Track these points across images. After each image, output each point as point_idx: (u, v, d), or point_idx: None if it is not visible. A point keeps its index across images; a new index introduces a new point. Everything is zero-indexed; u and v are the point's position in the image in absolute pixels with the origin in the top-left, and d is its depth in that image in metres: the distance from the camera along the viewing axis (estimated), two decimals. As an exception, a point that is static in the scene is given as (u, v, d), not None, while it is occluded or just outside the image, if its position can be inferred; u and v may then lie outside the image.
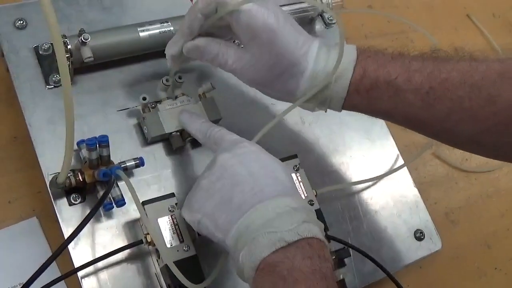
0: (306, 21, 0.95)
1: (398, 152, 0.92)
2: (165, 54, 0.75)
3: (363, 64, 0.69)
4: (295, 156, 0.78)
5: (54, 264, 0.69)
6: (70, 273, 0.66)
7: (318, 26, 0.95)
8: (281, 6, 0.89)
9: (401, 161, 0.91)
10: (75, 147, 0.71)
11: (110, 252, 0.68)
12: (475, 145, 0.70)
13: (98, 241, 0.70)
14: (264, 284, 0.57)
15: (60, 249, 0.63)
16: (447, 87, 0.66)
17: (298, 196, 0.64)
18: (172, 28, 0.79)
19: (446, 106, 0.66)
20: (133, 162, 0.73)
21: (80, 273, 0.67)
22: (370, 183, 0.88)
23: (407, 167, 0.91)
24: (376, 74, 0.68)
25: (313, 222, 0.60)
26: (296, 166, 0.77)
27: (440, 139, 0.74)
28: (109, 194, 0.69)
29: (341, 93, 0.69)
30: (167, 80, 0.76)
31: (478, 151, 0.73)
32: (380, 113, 0.72)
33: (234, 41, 0.75)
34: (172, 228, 0.68)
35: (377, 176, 0.88)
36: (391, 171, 0.89)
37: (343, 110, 0.72)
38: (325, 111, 0.73)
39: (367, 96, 0.69)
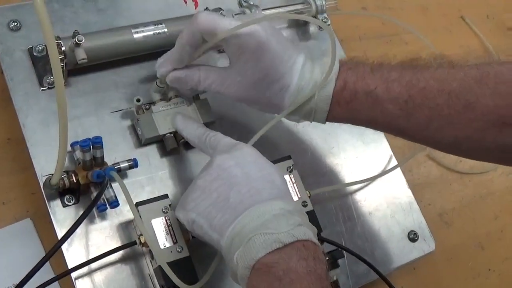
0: (301, 23, 0.95)
1: (392, 154, 0.92)
2: (159, 55, 0.75)
3: (344, 76, 0.71)
4: (288, 157, 0.78)
5: (48, 265, 0.69)
6: (64, 274, 0.66)
7: (312, 28, 0.95)
8: (276, 7, 0.90)
9: (394, 163, 0.92)
10: (69, 148, 0.71)
11: (104, 253, 0.68)
12: (456, 150, 0.72)
13: (91, 242, 0.70)
14: (259, 284, 0.57)
15: (53, 249, 0.63)
16: (425, 96, 0.67)
17: (292, 200, 0.66)
18: (166, 30, 0.79)
19: (425, 114, 0.67)
20: (127, 164, 0.73)
21: (73, 274, 0.67)
22: (364, 184, 0.88)
23: (401, 169, 0.92)
24: (356, 86, 0.70)
25: (307, 225, 0.61)
26: (289, 167, 0.77)
27: (423, 144, 0.76)
28: (103, 195, 0.69)
29: (324, 105, 0.71)
30: (161, 82, 0.77)
31: (460, 154, 0.74)
32: (361, 123, 0.74)
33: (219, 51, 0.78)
34: (166, 229, 0.68)
35: (370, 177, 0.88)
36: (385, 172, 0.89)
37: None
38: (310, 122, 0.75)
39: (347, 108, 0.71)
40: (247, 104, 0.75)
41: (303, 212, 0.64)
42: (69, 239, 0.65)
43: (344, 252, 0.78)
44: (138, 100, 0.75)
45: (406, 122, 0.69)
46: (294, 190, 0.76)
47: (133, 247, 0.70)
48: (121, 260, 0.70)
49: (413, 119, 0.68)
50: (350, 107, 0.71)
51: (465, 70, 0.67)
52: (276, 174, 0.65)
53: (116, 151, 0.75)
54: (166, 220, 0.68)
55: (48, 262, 0.64)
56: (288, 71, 0.71)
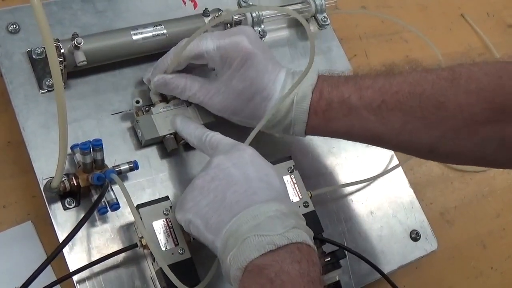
0: (300, 22, 0.95)
1: (393, 153, 0.92)
2: (158, 57, 0.75)
3: (319, 87, 0.72)
4: (289, 158, 0.78)
5: (49, 268, 0.69)
6: (65, 277, 0.66)
7: (312, 27, 0.95)
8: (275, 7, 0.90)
9: (395, 162, 0.91)
10: (69, 151, 0.71)
11: (105, 256, 0.68)
12: (434, 154, 0.72)
13: (93, 245, 0.70)
14: (251, 285, 0.57)
15: (54, 253, 0.63)
16: (398, 99, 0.68)
17: (289, 202, 0.67)
18: (165, 31, 0.79)
19: (400, 118, 0.69)
20: (127, 166, 0.73)
21: (75, 277, 0.67)
22: (365, 184, 0.88)
23: (402, 168, 0.91)
24: (331, 95, 0.72)
25: (302, 228, 0.61)
26: (290, 168, 0.77)
27: (402, 151, 0.77)
28: (104, 198, 0.69)
29: (303, 117, 0.73)
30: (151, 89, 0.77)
31: (439, 159, 0.76)
32: (339, 133, 0.75)
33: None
34: (167, 231, 0.68)
35: (372, 177, 0.88)
36: (386, 171, 0.89)
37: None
38: (291, 134, 0.76)
39: (324, 117, 0.72)
40: (228, 117, 0.76)
41: (300, 215, 0.64)
42: (70, 242, 0.65)
43: (346, 252, 0.78)
44: (138, 102, 0.75)
45: (381, 127, 0.70)
46: (295, 190, 0.76)
47: (134, 250, 0.70)
48: (123, 263, 0.70)
49: (388, 123, 0.69)
50: (326, 116, 0.72)
51: (438, 72, 0.69)
52: (274, 175, 0.65)
53: (117, 153, 0.75)
54: (167, 222, 0.68)
55: (49, 265, 0.63)
56: (271, 83, 0.73)
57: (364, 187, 0.88)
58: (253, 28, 0.85)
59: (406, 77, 0.69)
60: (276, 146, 0.84)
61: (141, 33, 0.78)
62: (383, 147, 0.77)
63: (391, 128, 0.70)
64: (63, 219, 0.70)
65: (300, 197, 0.76)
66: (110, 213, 0.71)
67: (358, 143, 0.89)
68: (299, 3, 0.92)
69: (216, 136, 0.70)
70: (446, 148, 0.69)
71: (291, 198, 0.75)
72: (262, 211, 0.60)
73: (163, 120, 0.76)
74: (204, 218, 0.62)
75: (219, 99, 0.74)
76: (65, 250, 0.68)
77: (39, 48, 0.76)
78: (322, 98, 0.72)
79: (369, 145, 0.90)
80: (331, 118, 0.72)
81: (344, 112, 0.71)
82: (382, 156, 0.91)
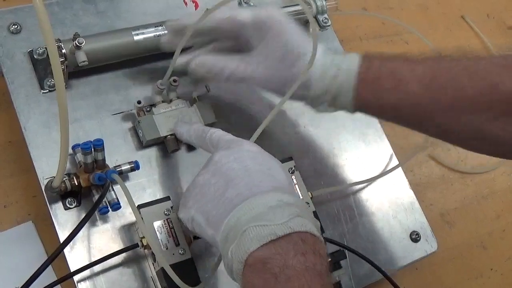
0: (301, 23, 0.95)
1: (393, 154, 0.92)
2: (159, 58, 0.75)
3: (367, 61, 0.71)
4: (290, 159, 0.78)
5: (50, 268, 0.69)
6: (66, 277, 0.66)
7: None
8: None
9: (396, 163, 0.91)
10: (70, 151, 0.71)
11: (106, 256, 0.68)
12: (478, 139, 0.69)
13: (94, 245, 0.70)
14: (254, 280, 0.55)
15: (55, 253, 0.63)
16: (450, 76, 0.67)
17: (294, 193, 0.64)
18: (166, 32, 0.79)
19: (450, 95, 0.66)
20: (128, 166, 0.73)
21: (76, 277, 0.67)
22: (366, 184, 0.88)
23: (402, 169, 0.91)
24: (380, 67, 0.70)
25: (307, 217, 0.58)
26: (291, 168, 0.77)
27: (444, 134, 0.73)
28: (105, 198, 0.69)
29: (350, 84, 0.70)
30: (161, 84, 0.77)
31: (481, 146, 0.72)
32: (388, 109, 0.71)
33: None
34: (168, 232, 0.68)
35: (372, 177, 0.88)
36: (386, 171, 0.89)
37: (339, 113, 0.74)
38: (336, 110, 0.74)
39: (373, 88, 0.70)
40: (271, 89, 0.75)
41: (306, 206, 0.62)
42: (71, 242, 0.65)
43: (347, 252, 0.78)
44: (139, 102, 0.75)
45: (430, 102, 0.68)
46: (296, 191, 0.76)
47: (135, 250, 0.70)
48: (123, 263, 0.70)
49: (437, 99, 0.67)
50: (375, 87, 0.70)
51: (491, 58, 0.68)
52: (279, 168, 0.64)
53: (118, 153, 0.75)
54: (168, 222, 0.68)
55: (50, 265, 0.63)
56: (310, 47, 0.70)
57: (365, 188, 0.88)
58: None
59: (459, 59, 0.68)
60: (277, 147, 0.84)
61: (143, 33, 0.78)
62: (425, 131, 0.74)
63: (439, 105, 0.68)
64: (64, 219, 0.70)
65: (301, 197, 0.76)
66: (111, 213, 0.71)
67: (359, 143, 0.90)
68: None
69: (216, 133, 0.69)
70: (493, 133, 0.66)
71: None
72: (263, 202, 0.57)
73: (165, 121, 0.76)
74: (205, 214, 0.61)
75: (261, 71, 0.73)
76: (66, 250, 0.68)
77: (40, 48, 0.76)
78: (371, 68, 0.70)
79: (369, 146, 0.91)
80: (381, 90, 0.69)
81: (394, 84, 0.69)
82: (382, 157, 0.91)
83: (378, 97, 0.70)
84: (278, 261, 0.54)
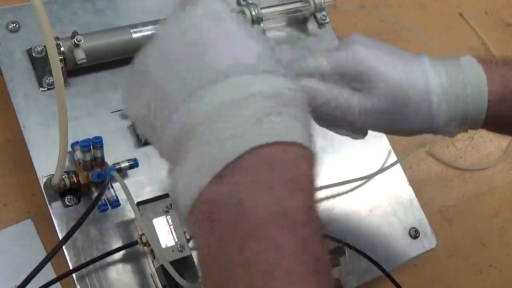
0: (299, 21, 0.95)
1: (392, 151, 0.92)
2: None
3: (491, 68, 0.60)
4: (289, 156, 0.78)
5: (49, 266, 0.69)
6: (66, 275, 0.66)
7: (311, 26, 0.95)
8: (274, 6, 0.90)
9: (394, 159, 0.91)
10: (69, 149, 0.71)
11: (106, 253, 0.68)
12: None
13: (93, 242, 0.70)
14: (201, 234, 0.40)
15: (55, 250, 0.63)
16: None
17: (271, 73, 0.42)
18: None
19: None
20: (127, 163, 0.73)
21: (75, 275, 0.67)
22: (364, 181, 0.88)
23: (401, 166, 0.91)
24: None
25: (286, 115, 0.40)
26: (290, 165, 0.77)
27: None
28: (104, 196, 0.69)
29: (482, 102, 0.59)
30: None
31: None
32: None
33: None
34: (167, 229, 0.68)
35: (371, 174, 0.88)
36: (385, 168, 0.89)
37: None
38: (466, 131, 0.64)
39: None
40: (400, 128, 0.62)
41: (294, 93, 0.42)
42: (70, 240, 0.65)
43: (346, 249, 0.78)
44: (138, 100, 0.75)
45: None
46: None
47: (134, 247, 0.70)
48: (123, 260, 0.71)
49: None
50: None
51: None
52: (248, 36, 0.44)
53: (117, 151, 0.75)
54: (167, 219, 0.68)
55: (49, 263, 0.64)
56: (417, 79, 0.59)
57: (364, 185, 0.88)
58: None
59: None
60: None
61: (141, 31, 0.78)
62: None
63: None
64: (63, 216, 0.70)
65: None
66: (110, 211, 0.71)
67: (357, 141, 0.90)
68: (298, 1, 0.92)
69: None
70: None
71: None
72: (211, 98, 0.39)
73: (163, 118, 0.76)
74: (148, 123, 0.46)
75: (372, 117, 0.60)
76: (65, 248, 0.68)
77: (39, 47, 0.76)
78: (509, 82, 0.59)
79: (368, 143, 0.90)
80: None
81: None
82: (381, 154, 0.91)
83: None
84: (230, 204, 0.37)
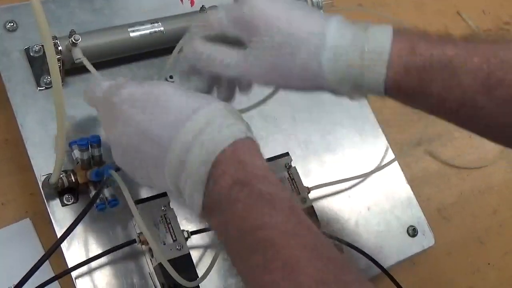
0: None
1: (390, 149, 0.92)
2: (155, 54, 0.75)
3: (407, 40, 0.59)
4: (286, 154, 0.79)
5: (47, 265, 0.69)
6: (64, 273, 0.67)
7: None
8: None
9: (392, 157, 0.92)
10: (67, 148, 0.71)
11: (104, 251, 0.69)
12: None
13: (91, 241, 0.70)
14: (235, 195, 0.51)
15: (53, 248, 0.63)
16: (507, 70, 0.57)
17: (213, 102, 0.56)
18: (162, 28, 0.79)
19: (507, 92, 0.58)
20: (126, 162, 0.73)
21: (73, 273, 0.67)
22: (362, 179, 0.88)
23: (399, 164, 0.92)
24: (430, 53, 0.58)
25: (231, 123, 0.54)
26: (288, 164, 0.77)
27: (491, 133, 0.64)
28: (102, 194, 0.69)
29: (381, 70, 0.59)
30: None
31: None
32: (431, 98, 0.60)
33: None
34: (165, 227, 0.68)
35: (368, 172, 0.88)
36: (383, 166, 0.90)
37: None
38: (365, 96, 0.65)
39: (418, 77, 0.59)
40: (282, 86, 0.66)
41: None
42: (68, 238, 0.65)
43: (344, 247, 0.78)
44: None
45: (484, 98, 0.58)
46: (293, 186, 0.76)
47: (132, 246, 0.70)
48: (121, 259, 0.71)
49: (493, 96, 0.58)
50: (422, 76, 0.59)
51: None
52: (166, 92, 0.57)
53: (115, 150, 0.75)
54: (165, 218, 0.68)
55: (48, 261, 0.64)
56: (318, 27, 0.60)
57: (362, 183, 0.88)
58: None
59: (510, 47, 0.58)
60: (274, 142, 0.84)
61: (138, 30, 0.78)
62: (477, 128, 0.63)
63: (494, 101, 0.58)
64: (61, 215, 0.70)
65: (298, 193, 0.76)
66: (108, 209, 0.71)
67: (355, 139, 0.90)
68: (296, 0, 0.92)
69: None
70: None
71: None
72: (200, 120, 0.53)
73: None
74: (146, 169, 0.57)
75: (259, 66, 0.62)
76: (64, 246, 0.68)
77: (36, 46, 0.76)
78: (415, 53, 0.58)
79: (366, 141, 0.91)
80: (428, 80, 0.59)
81: (444, 76, 0.58)
82: (379, 153, 0.92)
83: (424, 85, 0.59)
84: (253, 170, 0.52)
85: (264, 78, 0.64)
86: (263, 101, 0.73)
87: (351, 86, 0.61)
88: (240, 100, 0.71)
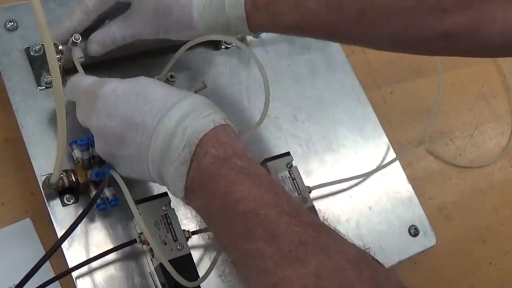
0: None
1: (391, 149, 0.92)
2: (155, 54, 0.75)
3: None
4: (287, 154, 0.78)
5: (48, 265, 0.69)
6: (65, 274, 0.66)
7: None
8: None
9: (393, 156, 0.91)
10: (68, 147, 0.71)
11: (104, 251, 0.68)
12: (398, 46, 0.67)
13: (92, 241, 0.70)
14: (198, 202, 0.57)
15: (53, 248, 0.62)
16: None
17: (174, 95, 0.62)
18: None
19: (355, 8, 0.63)
20: (126, 162, 0.73)
21: (74, 273, 0.67)
22: (363, 179, 0.88)
23: (400, 163, 0.91)
24: None
25: (211, 112, 0.59)
26: (289, 163, 0.77)
27: (364, 44, 0.72)
28: (102, 194, 0.69)
29: (239, 13, 0.68)
30: (158, 80, 0.76)
31: (403, 50, 0.70)
32: (290, 29, 0.69)
33: None
34: (166, 227, 0.68)
35: (370, 171, 0.88)
36: (384, 165, 0.89)
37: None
38: (235, 36, 0.72)
39: (267, 12, 0.67)
40: (166, 37, 0.73)
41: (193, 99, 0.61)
42: (69, 238, 0.65)
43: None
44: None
45: (336, 18, 0.64)
46: (294, 186, 0.76)
47: (133, 246, 0.70)
48: (122, 259, 0.70)
49: (343, 14, 0.64)
50: (270, 10, 0.67)
51: None
52: (148, 85, 0.63)
53: (115, 149, 0.75)
54: (166, 218, 0.68)
55: (48, 261, 0.63)
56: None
57: (363, 182, 0.88)
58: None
59: None
60: (275, 142, 0.84)
61: (139, 29, 0.78)
62: (339, 42, 0.71)
63: (346, 19, 0.64)
64: (61, 215, 0.70)
65: (299, 192, 0.76)
66: (109, 209, 0.71)
67: (356, 138, 0.90)
68: None
69: (75, 77, 0.70)
70: (408, 39, 0.64)
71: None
72: (171, 124, 0.58)
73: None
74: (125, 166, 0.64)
75: (144, 24, 0.71)
76: (64, 246, 0.68)
77: (37, 45, 0.76)
78: None
79: (367, 141, 0.90)
80: (277, 13, 0.66)
81: (290, 5, 0.65)
82: (380, 152, 0.91)
83: (276, 19, 0.67)
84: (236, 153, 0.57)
85: (149, 33, 0.72)
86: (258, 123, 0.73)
87: (221, 31, 0.70)
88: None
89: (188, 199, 0.59)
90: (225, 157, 0.56)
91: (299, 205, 0.56)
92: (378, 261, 0.72)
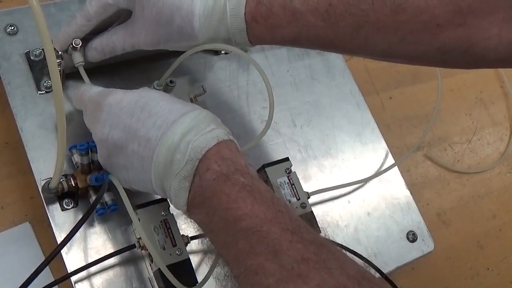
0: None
1: (390, 154, 0.92)
2: (155, 58, 0.75)
3: None
4: (287, 159, 0.78)
5: (47, 269, 0.69)
6: (64, 278, 0.66)
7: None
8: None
9: (392, 162, 0.92)
10: (67, 152, 0.71)
11: (103, 256, 0.68)
12: (391, 57, 0.68)
13: (91, 246, 0.70)
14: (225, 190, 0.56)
15: (53, 254, 0.63)
16: (347, 2, 0.64)
17: (182, 109, 0.62)
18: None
19: (350, 22, 0.64)
20: (125, 167, 0.73)
21: (73, 278, 0.67)
22: (362, 184, 0.88)
23: (399, 169, 0.92)
24: (270, 2, 0.67)
25: (215, 127, 0.60)
26: (288, 169, 0.77)
27: (360, 55, 0.74)
28: (102, 199, 0.69)
29: (240, 25, 0.68)
30: (158, 85, 0.77)
31: (399, 60, 0.70)
32: (288, 42, 0.70)
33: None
34: (165, 232, 0.68)
35: (368, 177, 0.88)
36: (382, 171, 0.89)
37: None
38: (236, 46, 0.71)
39: (266, 25, 0.68)
40: (167, 48, 0.72)
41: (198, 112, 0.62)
42: (68, 243, 0.65)
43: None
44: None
45: (332, 33, 0.66)
46: (292, 191, 0.76)
47: (132, 250, 0.70)
48: (121, 264, 0.70)
49: (339, 28, 0.65)
50: (269, 23, 0.67)
51: None
52: (153, 98, 0.63)
53: (114, 154, 0.75)
54: (165, 223, 0.68)
55: (47, 266, 0.63)
56: (181, 9, 0.68)
57: (361, 188, 0.88)
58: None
59: None
60: (274, 147, 0.84)
61: (139, 34, 0.78)
62: (337, 53, 0.72)
63: (341, 34, 0.65)
64: (61, 220, 0.70)
65: (298, 198, 0.76)
66: (108, 214, 0.71)
67: (355, 144, 0.90)
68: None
69: (84, 87, 0.71)
70: (403, 53, 0.65)
71: (288, 199, 0.75)
72: (176, 138, 0.58)
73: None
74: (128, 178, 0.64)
75: (144, 34, 0.70)
76: (63, 251, 0.68)
77: (37, 50, 0.76)
78: (260, 4, 0.67)
79: (366, 146, 0.91)
80: (275, 26, 0.67)
81: (288, 19, 0.66)
82: (379, 158, 0.92)
83: (275, 32, 0.68)
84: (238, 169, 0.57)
85: (150, 44, 0.71)
86: (259, 138, 0.74)
87: (221, 42, 0.70)
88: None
89: (190, 213, 0.59)
90: (228, 173, 0.56)
91: (301, 221, 0.56)
92: (381, 275, 0.73)
